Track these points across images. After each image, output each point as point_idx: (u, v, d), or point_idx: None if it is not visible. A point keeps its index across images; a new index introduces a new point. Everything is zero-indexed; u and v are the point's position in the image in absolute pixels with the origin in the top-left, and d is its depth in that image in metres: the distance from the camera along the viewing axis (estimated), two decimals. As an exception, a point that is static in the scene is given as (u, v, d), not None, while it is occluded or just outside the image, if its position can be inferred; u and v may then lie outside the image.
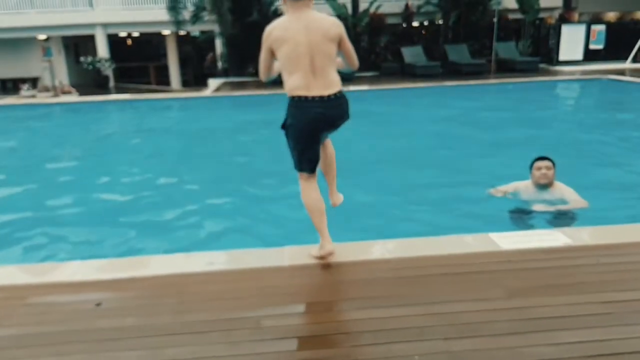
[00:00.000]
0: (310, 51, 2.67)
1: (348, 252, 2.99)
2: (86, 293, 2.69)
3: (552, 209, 4.06)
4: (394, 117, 9.56)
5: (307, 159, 2.81)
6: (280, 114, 2.85)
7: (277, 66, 2.85)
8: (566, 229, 3.29)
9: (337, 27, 2.74)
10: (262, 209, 4.51)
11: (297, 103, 2.74)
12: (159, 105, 11.93)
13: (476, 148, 6.85)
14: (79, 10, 17.50)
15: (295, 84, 2.71)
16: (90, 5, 17.48)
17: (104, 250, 3.63)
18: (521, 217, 4.24)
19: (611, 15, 21.78)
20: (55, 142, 8.14)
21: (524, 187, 4.35)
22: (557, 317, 2.27)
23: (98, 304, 2.55)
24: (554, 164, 4.17)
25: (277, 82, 2.72)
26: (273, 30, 2.71)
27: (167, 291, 2.64)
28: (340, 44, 2.77)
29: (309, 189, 2.85)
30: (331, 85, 2.74)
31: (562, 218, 4.03)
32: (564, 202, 4.12)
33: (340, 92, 2.79)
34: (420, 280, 2.64)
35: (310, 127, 2.75)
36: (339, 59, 2.88)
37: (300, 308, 2.46)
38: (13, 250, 3.69)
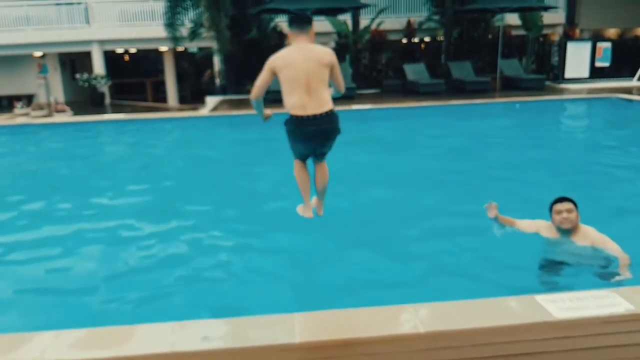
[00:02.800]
0: (307, 75, 3.26)
1: (372, 322, 2.51)
2: (56, 380, 2.21)
3: (606, 271, 3.51)
4: (399, 139, 9.13)
5: (300, 154, 3.61)
6: (278, 134, 3.48)
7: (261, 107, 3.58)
8: (622, 290, 2.81)
9: (329, 56, 3.37)
10: (265, 254, 4.02)
11: (295, 120, 3.35)
12: (154, 126, 11.47)
13: (488, 174, 6.38)
14: (75, 27, 17.20)
15: (294, 104, 3.31)
16: (87, 22, 17.19)
17: (82, 312, 3.13)
18: (552, 267, 3.76)
19: (612, 32, 21.61)
20: (34, 173, 7.41)
21: (546, 230, 3.82)
22: None
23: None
24: (575, 205, 3.65)
25: (274, 100, 3.40)
26: (278, 57, 3.34)
27: (155, 380, 2.16)
28: (331, 70, 3.39)
29: (299, 168, 3.68)
30: (323, 104, 3.33)
31: (599, 269, 3.56)
32: (594, 250, 3.61)
33: (331, 110, 3.38)
34: (464, 368, 2.16)
35: (305, 138, 3.42)
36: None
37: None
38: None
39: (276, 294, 3.34)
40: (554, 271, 3.75)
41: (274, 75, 3.31)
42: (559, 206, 3.66)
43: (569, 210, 3.62)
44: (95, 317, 2.98)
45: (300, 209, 3.93)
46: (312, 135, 3.34)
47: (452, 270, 3.81)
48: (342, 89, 3.57)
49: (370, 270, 3.69)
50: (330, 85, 3.51)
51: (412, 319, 2.53)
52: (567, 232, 3.65)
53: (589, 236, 3.64)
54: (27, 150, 9.78)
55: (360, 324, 2.51)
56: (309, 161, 3.73)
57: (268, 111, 3.63)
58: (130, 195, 5.94)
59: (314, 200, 3.92)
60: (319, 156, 3.60)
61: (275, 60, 3.29)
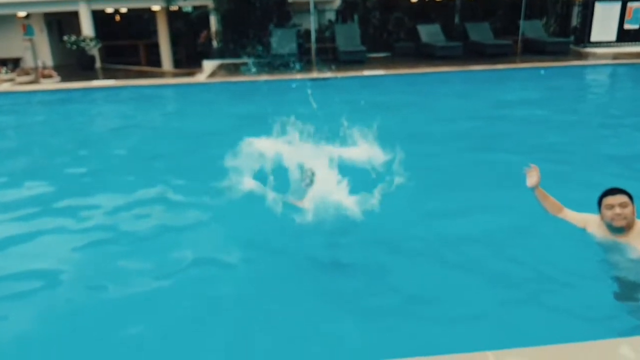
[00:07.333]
0: None
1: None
2: None
3: None
4: (419, 113, 8.20)
5: None
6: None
7: None
8: None
9: None
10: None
11: None
12: (147, 93, 10.50)
13: (519, 158, 5.41)
14: (60, -17, 15.86)
15: None
16: (72, -22, 15.83)
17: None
18: (619, 280, 3.01)
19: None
20: (8, 152, 6.64)
21: (594, 226, 3.12)
22: None
23: None
24: (631, 197, 2.93)
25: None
26: None
27: None
28: None
29: None
30: None
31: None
32: None
33: None
34: None
35: None
36: None
37: None
38: None
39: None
40: (625, 287, 2.99)
41: None
42: (611, 199, 2.95)
43: (622, 205, 2.91)
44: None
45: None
46: None
47: (510, 290, 3.04)
48: None
49: (419, 300, 2.91)
50: None
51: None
52: (620, 230, 2.95)
53: None
54: (7, 122, 8.86)
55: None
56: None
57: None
58: (115, 177, 5.20)
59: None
60: None
61: None
